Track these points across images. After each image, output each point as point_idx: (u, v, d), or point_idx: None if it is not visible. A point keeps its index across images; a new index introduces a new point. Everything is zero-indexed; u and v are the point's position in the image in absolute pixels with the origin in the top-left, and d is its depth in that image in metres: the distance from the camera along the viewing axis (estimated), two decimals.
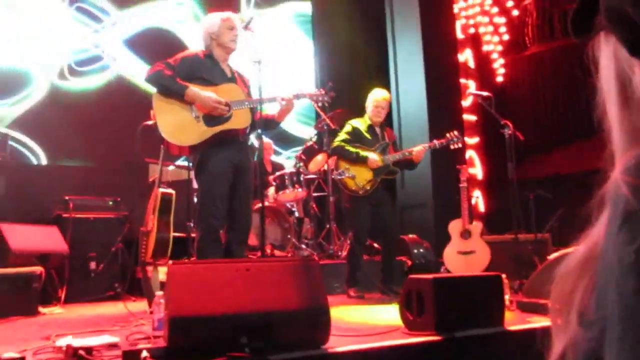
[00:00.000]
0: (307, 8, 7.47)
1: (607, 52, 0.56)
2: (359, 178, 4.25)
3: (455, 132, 4.46)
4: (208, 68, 3.36)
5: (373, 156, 4.24)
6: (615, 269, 0.49)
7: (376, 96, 4.43)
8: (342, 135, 4.39)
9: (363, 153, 4.27)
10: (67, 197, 4.62)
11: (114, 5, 5.95)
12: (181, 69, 3.30)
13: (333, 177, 4.58)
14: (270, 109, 3.62)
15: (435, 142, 4.42)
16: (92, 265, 4.57)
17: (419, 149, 4.32)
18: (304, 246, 5.21)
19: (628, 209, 0.49)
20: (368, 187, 4.25)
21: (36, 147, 5.27)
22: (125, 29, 6.01)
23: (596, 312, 0.52)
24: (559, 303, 0.58)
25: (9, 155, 4.89)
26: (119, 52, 5.93)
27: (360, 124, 4.44)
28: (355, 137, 4.36)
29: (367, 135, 4.39)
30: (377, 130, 4.46)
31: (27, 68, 5.41)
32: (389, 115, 6.81)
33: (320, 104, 3.62)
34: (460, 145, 4.47)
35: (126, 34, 6.02)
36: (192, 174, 5.07)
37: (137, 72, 5.86)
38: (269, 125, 3.53)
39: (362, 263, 4.38)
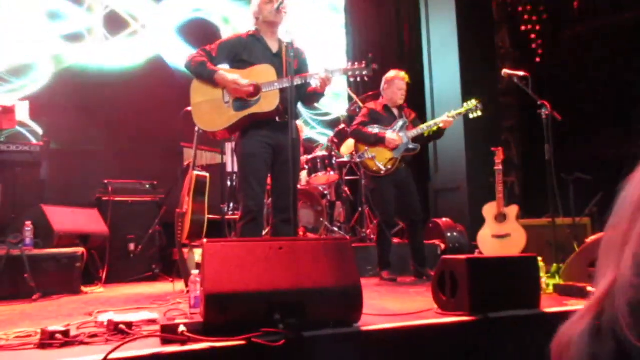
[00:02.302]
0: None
1: None
2: (379, 158, 4.22)
3: (474, 101, 4.32)
4: (249, 48, 3.36)
5: (391, 135, 4.19)
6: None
7: (397, 78, 4.36)
8: (359, 119, 4.36)
9: (381, 133, 4.23)
10: (106, 181, 4.76)
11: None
12: (220, 53, 3.35)
13: (354, 160, 4.56)
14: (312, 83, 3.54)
15: (453, 112, 4.26)
16: (131, 246, 4.72)
17: (444, 119, 4.22)
18: (336, 229, 5.23)
19: None
20: (390, 166, 4.21)
21: (72, 131, 5.42)
22: (173, 17, 6.13)
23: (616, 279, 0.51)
24: (612, 242, 0.56)
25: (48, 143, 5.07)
26: (163, 35, 6.05)
27: (376, 106, 4.40)
28: (372, 119, 4.33)
29: (385, 116, 4.35)
30: (395, 110, 4.41)
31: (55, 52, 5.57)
32: (421, 96, 6.74)
33: (360, 79, 3.36)
34: (479, 114, 4.30)
35: (174, 21, 6.14)
36: (226, 157, 5.17)
37: (177, 55, 5.97)
38: (313, 98, 3.51)
39: (392, 245, 4.35)
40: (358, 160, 4.31)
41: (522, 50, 8.36)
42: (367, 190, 4.81)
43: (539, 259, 2.81)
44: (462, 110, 4.32)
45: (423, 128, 4.29)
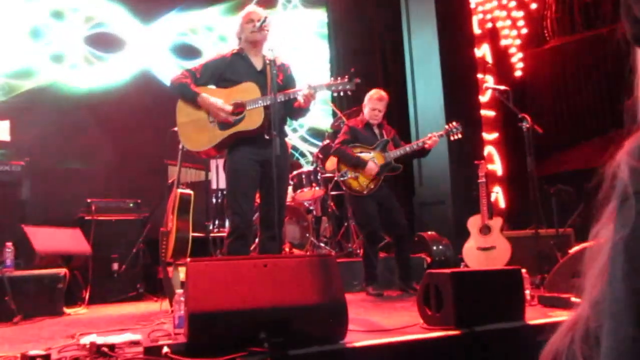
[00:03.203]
0: (323, 15, 7.48)
1: None
2: (362, 178, 4.25)
3: (454, 123, 4.39)
4: (233, 67, 3.38)
5: (371, 165, 4.21)
6: (608, 253, 0.48)
7: (372, 98, 4.38)
8: (341, 137, 4.37)
9: (363, 155, 4.26)
10: (89, 200, 4.71)
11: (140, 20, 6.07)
12: (204, 74, 3.38)
13: (336, 179, 4.57)
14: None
15: (435, 134, 4.31)
16: (115, 266, 4.65)
17: (426, 140, 4.27)
18: (322, 244, 5.23)
19: (624, 192, 0.48)
20: (372, 186, 4.24)
21: (54, 149, 5.36)
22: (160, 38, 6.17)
23: (599, 296, 0.52)
24: (582, 277, 0.58)
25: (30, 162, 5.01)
26: (147, 54, 6.06)
27: (357, 123, 4.43)
28: (353, 136, 4.35)
29: (365, 134, 4.38)
30: (375, 129, 4.44)
31: (37, 65, 5.54)
32: (404, 112, 6.81)
33: (343, 93, 3.36)
34: (459, 136, 4.37)
35: (161, 42, 6.18)
36: (211, 174, 5.15)
37: (163, 72, 5.97)
38: (299, 114, 3.51)
39: (377, 260, 4.35)
40: (340, 179, 4.31)
41: (503, 64, 8.50)
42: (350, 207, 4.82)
43: (523, 270, 2.83)
44: (443, 132, 4.38)
45: (406, 149, 4.32)
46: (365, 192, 4.23)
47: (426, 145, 4.27)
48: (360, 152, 4.31)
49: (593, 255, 0.58)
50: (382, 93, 4.43)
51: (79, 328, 2.93)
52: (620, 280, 0.46)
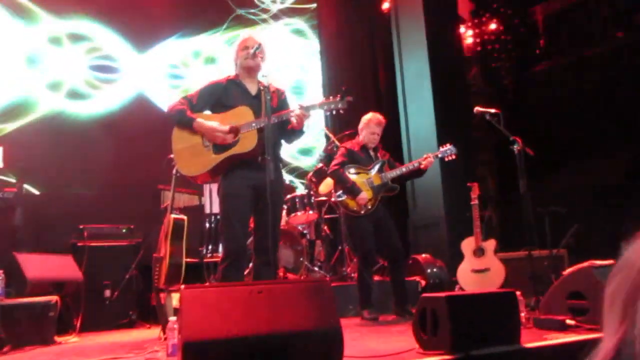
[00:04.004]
0: (314, 37, 7.59)
1: None
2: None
3: (448, 145, 4.46)
4: (229, 93, 3.42)
5: (363, 195, 4.24)
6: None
7: (372, 122, 4.44)
8: (338, 159, 4.40)
9: (360, 178, 4.30)
10: (81, 226, 4.68)
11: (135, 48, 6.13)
12: (200, 100, 3.41)
13: (333, 199, 4.59)
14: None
15: (430, 154, 4.38)
16: (107, 293, 4.61)
17: (430, 160, 4.33)
18: (316, 268, 5.20)
19: None
20: (369, 207, 4.25)
21: (47, 175, 5.35)
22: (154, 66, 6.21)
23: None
24: (618, 300, 0.57)
25: (23, 189, 4.99)
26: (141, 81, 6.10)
27: (353, 146, 4.47)
28: (351, 158, 4.39)
29: (362, 156, 4.42)
30: (371, 151, 4.49)
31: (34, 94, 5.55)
32: (397, 134, 6.87)
33: (335, 112, 3.37)
34: (454, 157, 4.45)
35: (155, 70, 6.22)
36: (204, 199, 5.14)
37: (156, 97, 6.00)
38: (293, 136, 3.50)
39: (373, 284, 4.33)
40: (338, 199, 4.33)
41: (494, 86, 8.62)
42: (345, 228, 4.82)
43: (518, 293, 2.83)
44: (438, 152, 4.45)
45: (402, 170, 4.36)
46: (362, 212, 4.24)
47: (422, 166, 4.32)
48: (358, 173, 4.34)
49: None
50: (380, 117, 4.49)
51: (70, 357, 2.89)
52: None
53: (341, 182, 4.31)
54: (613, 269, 0.61)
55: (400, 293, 4.31)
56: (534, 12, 8.66)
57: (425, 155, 4.37)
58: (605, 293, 0.60)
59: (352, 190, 4.25)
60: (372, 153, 4.49)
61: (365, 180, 4.32)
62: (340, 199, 4.31)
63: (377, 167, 4.39)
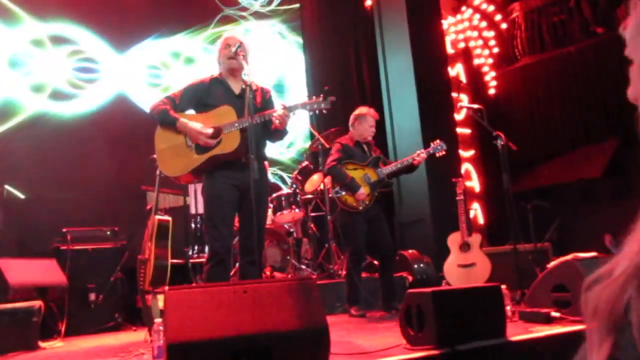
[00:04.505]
0: (298, 36, 7.58)
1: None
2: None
3: (438, 141, 4.49)
4: (212, 92, 3.40)
5: (362, 191, 4.24)
6: None
7: (368, 115, 4.45)
8: (335, 155, 4.40)
9: (357, 174, 4.30)
10: (64, 229, 4.61)
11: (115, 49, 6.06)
12: (183, 99, 3.39)
13: (331, 195, 4.58)
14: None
15: (423, 151, 4.42)
16: (92, 296, 4.55)
17: (423, 156, 4.37)
18: (303, 267, 5.20)
19: None
20: (367, 202, 4.26)
21: (29, 178, 5.27)
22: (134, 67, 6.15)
23: None
24: (601, 309, 0.55)
25: (5, 193, 4.91)
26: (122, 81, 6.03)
27: (347, 141, 4.48)
28: (347, 154, 4.39)
29: (357, 151, 4.43)
30: (365, 146, 4.49)
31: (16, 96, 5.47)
32: (382, 132, 6.88)
33: (318, 112, 3.37)
34: (444, 153, 4.49)
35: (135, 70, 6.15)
36: (189, 199, 5.11)
37: (138, 97, 5.93)
38: (276, 136, 3.49)
39: (361, 281, 4.34)
40: (336, 196, 4.31)
41: (476, 83, 8.68)
42: (337, 225, 4.81)
43: (503, 286, 2.85)
44: (430, 149, 4.47)
45: (397, 165, 4.37)
46: (361, 208, 4.24)
47: (415, 162, 4.34)
48: (354, 169, 4.34)
49: None
50: (373, 110, 4.53)
51: None
52: None
53: (340, 178, 4.29)
54: (586, 280, 0.60)
55: (389, 290, 4.32)
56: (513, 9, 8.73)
57: (418, 152, 4.41)
58: (584, 306, 0.59)
59: (351, 186, 4.24)
60: (365, 148, 4.50)
61: (362, 176, 4.33)
62: (338, 195, 4.29)
63: (372, 162, 4.39)
